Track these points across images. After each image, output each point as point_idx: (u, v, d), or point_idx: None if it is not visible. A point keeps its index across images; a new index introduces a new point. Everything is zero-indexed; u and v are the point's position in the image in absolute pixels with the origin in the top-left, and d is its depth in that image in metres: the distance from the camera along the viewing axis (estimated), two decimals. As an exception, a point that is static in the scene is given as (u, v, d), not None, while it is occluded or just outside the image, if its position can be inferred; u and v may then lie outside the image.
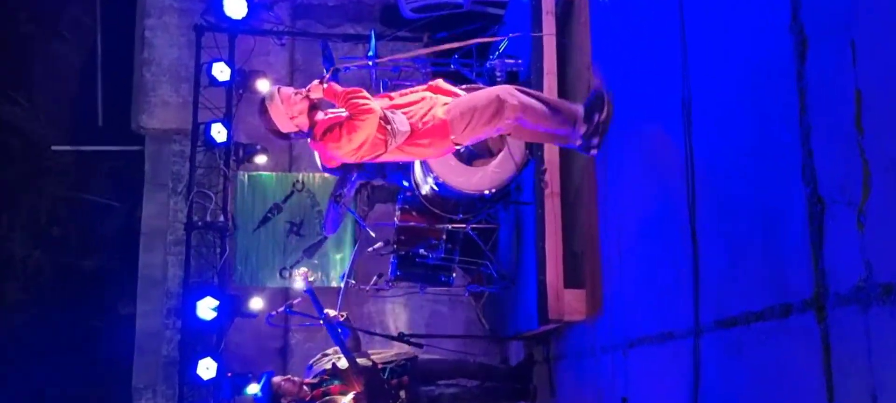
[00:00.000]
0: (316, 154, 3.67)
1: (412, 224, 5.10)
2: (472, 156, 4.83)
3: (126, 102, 7.43)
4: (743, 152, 2.49)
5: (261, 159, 6.81)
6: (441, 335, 5.39)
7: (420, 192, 5.00)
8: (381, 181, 6.09)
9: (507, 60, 5.09)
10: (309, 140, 3.57)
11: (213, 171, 6.71)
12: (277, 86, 3.55)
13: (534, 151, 4.51)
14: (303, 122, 3.50)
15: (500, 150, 4.69)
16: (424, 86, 3.84)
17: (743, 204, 2.48)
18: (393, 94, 3.75)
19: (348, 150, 3.45)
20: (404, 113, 3.55)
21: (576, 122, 3.73)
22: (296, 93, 3.51)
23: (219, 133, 6.43)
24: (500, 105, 3.60)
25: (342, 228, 5.63)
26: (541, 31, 4.36)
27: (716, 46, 2.71)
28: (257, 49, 6.85)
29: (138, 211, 7.37)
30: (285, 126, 3.49)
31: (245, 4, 6.40)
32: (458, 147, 3.72)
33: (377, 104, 3.48)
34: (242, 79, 6.67)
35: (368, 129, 3.39)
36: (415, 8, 6.55)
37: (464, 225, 5.01)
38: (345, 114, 3.44)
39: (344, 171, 5.11)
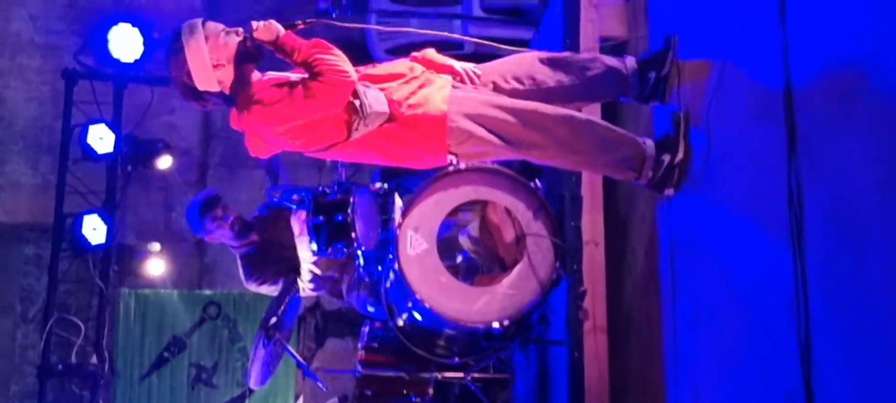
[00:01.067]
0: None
1: (383, 371, 5.04)
2: (474, 269, 4.80)
3: (-43, 183, 7.44)
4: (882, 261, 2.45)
5: (156, 268, 6.79)
6: None
7: (394, 322, 4.95)
8: (337, 303, 6.05)
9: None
10: (232, 110, 3.59)
11: (83, 288, 6.69)
12: (201, 19, 3.59)
13: (567, 264, 4.49)
14: (231, 76, 3.53)
15: (516, 262, 4.66)
16: (407, 58, 3.87)
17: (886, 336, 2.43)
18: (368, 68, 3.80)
19: (296, 127, 3.51)
20: (381, 89, 3.61)
21: (643, 164, 3.72)
22: (228, 32, 3.55)
23: (94, 230, 6.41)
24: (565, 134, 3.59)
25: (277, 375, 5.54)
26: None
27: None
28: (157, 106, 6.90)
29: (-31, 346, 7.29)
30: (204, 78, 3.50)
31: (140, 42, 6.48)
32: (452, 159, 3.73)
33: (353, 70, 3.55)
34: (132, 149, 6.72)
35: (337, 99, 3.47)
36: (391, 49, 6.66)
37: (461, 375, 4.95)
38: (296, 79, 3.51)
39: (282, 287, 5.07)
